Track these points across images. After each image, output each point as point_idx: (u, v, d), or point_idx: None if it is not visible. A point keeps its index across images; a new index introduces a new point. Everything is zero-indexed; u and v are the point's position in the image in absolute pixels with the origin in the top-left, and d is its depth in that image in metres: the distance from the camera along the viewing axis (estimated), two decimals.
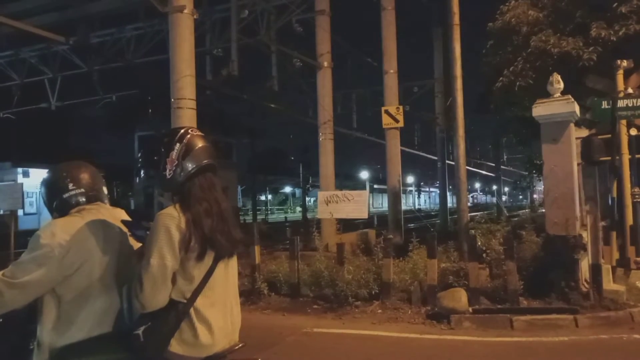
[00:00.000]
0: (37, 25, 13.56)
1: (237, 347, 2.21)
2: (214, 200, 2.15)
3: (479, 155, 48.18)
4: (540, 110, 7.50)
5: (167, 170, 2.11)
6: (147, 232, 2.07)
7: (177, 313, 2.02)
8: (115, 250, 2.16)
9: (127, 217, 2.35)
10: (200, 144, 2.16)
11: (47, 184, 2.28)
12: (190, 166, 2.12)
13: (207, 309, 2.08)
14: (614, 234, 8.51)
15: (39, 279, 1.98)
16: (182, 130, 2.19)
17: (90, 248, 2.08)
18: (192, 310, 2.04)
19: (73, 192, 2.23)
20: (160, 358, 2.03)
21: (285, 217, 43.04)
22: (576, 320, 6.43)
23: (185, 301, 2.04)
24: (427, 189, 79.37)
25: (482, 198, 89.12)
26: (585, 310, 6.62)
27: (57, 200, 2.24)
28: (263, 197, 53.53)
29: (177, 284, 2.05)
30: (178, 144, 2.12)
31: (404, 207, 16.38)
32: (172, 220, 2.02)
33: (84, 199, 2.24)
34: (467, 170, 13.02)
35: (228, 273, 2.21)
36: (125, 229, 2.22)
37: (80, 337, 2.03)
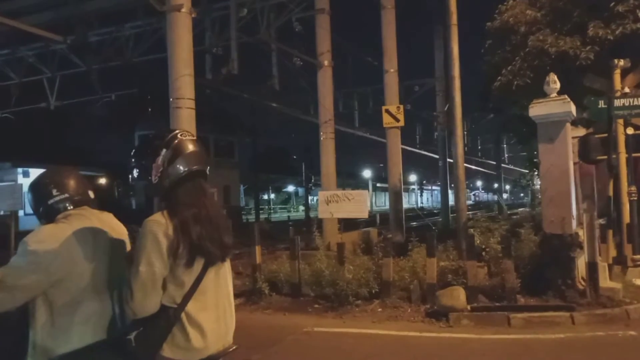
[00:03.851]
0: (34, 23, 13.35)
1: (230, 350, 2.19)
2: (203, 206, 2.09)
3: (480, 154, 48.19)
4: (536, 110, 7.59)
5: (153, 176, 2.05)
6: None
7: (168, 318, 2.00)
8: (104, 255, 2.14)
9: (116, 221, 2.33)
10: (188, 149, 2.08)
11: (32, 191, 2.26)
12: (177, 172, 2.05)
13: (198, 313, 2.05)
14: (610, 232, 8.57)
15: (27, 285, 1.97)
16: (170, 135, 2.10)
17: (79, 254, 2.06)
18: (183, 315, 2.02)
19: (58, 198, 2.20)
20: None
21: (288, 216, 43.04)
22: (573, 317, 6.50)
23: (176, 306, 2.01)
24: (430, 187, 79.28)
25: (483, 196, 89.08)
26: (581, 308, 6.69)
27: (42, 207, 2.22)
28: (265, 196, 53.55)
29: (168, 289, 2.02)
30: (164, 149, 2.05)
31: (406, 206, 16.41)
32: (159, 226, 1.98)
33: (69, 204, 2.21)
34: (469, 168, 13.08)
35: (220, 276, 2.17)
36: (116, 234, 2.23)
37: (74, 342, 2.03)
